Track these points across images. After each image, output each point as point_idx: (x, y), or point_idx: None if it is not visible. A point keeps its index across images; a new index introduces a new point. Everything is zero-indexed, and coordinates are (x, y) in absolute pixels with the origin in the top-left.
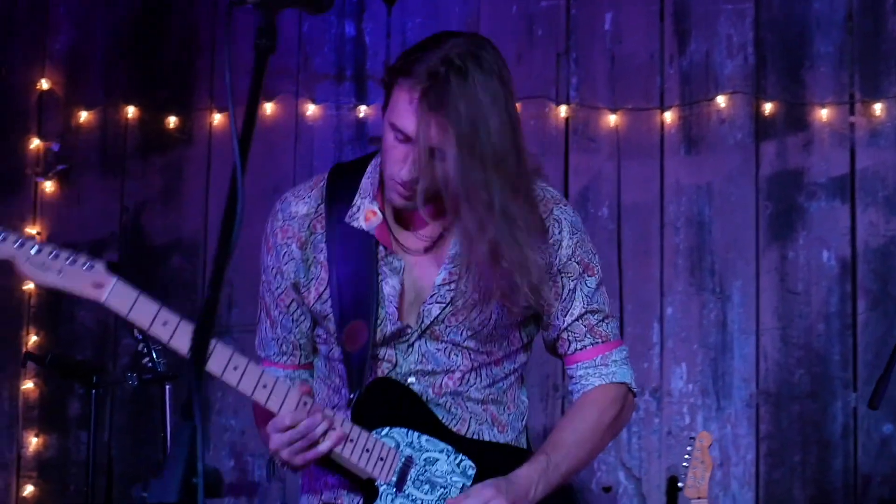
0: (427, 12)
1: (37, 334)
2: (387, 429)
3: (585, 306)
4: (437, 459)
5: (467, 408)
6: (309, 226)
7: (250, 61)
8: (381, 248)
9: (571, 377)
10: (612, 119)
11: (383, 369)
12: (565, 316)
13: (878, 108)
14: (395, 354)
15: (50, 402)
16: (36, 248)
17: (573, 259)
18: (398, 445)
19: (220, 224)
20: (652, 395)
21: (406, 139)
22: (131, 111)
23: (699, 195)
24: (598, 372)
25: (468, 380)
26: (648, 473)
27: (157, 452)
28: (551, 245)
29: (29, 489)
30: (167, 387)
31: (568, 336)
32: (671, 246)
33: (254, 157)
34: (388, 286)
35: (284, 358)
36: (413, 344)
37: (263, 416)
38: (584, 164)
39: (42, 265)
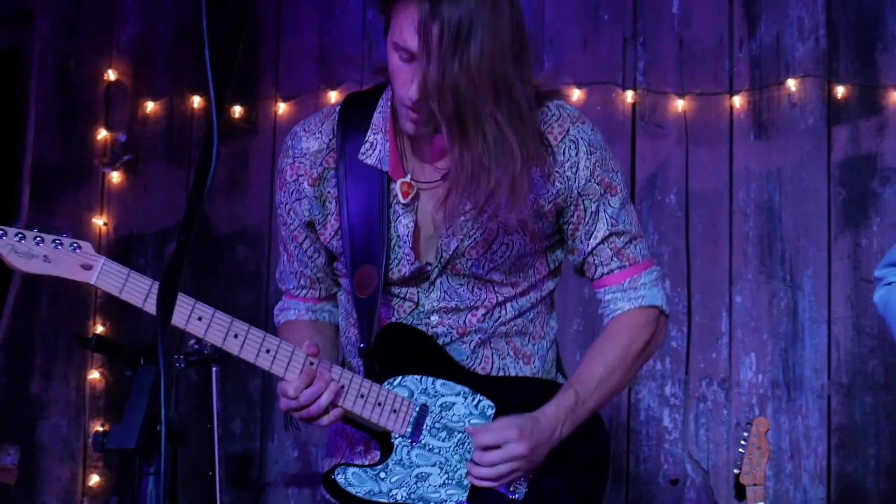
0: None
1: (103, 324)
2: (399, 378)
3: (609, 228)
4: (454, 403)
5: (491, 343)
6: (322, 161)
7: (314, 48)
8: (394, 184)
9: (600, 301)
10: (680, 104)
11: (405, 309)
12: (589, 239)
13: None
14: (417, 293)
15: (115, 392)
16: (18, 236)
17: (592, 180)
18: (412, 394)
19: (196, 166)
20: (720, 385)
21: (410, 57)
22: (197, 101)
23: (769, 181)
24: (626, 296)
25: (493, 314)
26: (716, 466)
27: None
28: (567, 167)
29: (95, 479)
30: (214, 369)
31: (594, 260)
32: (741, 233)
33: None
34: (402, 225)
35: (304, 291)
36: (434, 281)
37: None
38: (651, 151)
39: (27, 253)
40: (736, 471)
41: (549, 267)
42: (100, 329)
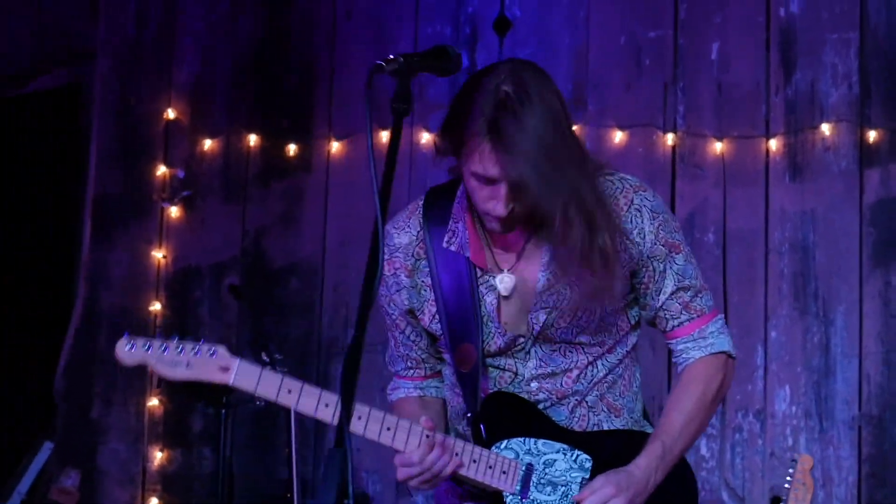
0: (538, 41)
1: None
2: (505, 441)
3: (676, 284)
4: (556, 460)
5: (587, 403)
6: (413, 253)
7: (363, 87)
8: (477, 268)
9: (673, 351)
10: (719, 147)
11: (506, 378)
12: (659, 295)
13: None
14: (515, 364)
15: (174, 419)
16: (162, 347)
17: (658, 242)
18: (518, 455)
19: (364, 273)
20: (756, 416)
21: (490, 181)
22: (253, 139)
23: (803, 221)
24: (697, 345)
25: (586, 374)
26: (751, 494)
27: (280, 468)
28: (636, 233)
29: (154, 502)
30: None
31: (664, 315)
32: (776, 271)
33: (370, 184)
34: (488, 303)
35: (411, 371)
36: (529, 351)
37: None
38: (690, 191)
39: (172, 362)
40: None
41: (629, 322)
42: None
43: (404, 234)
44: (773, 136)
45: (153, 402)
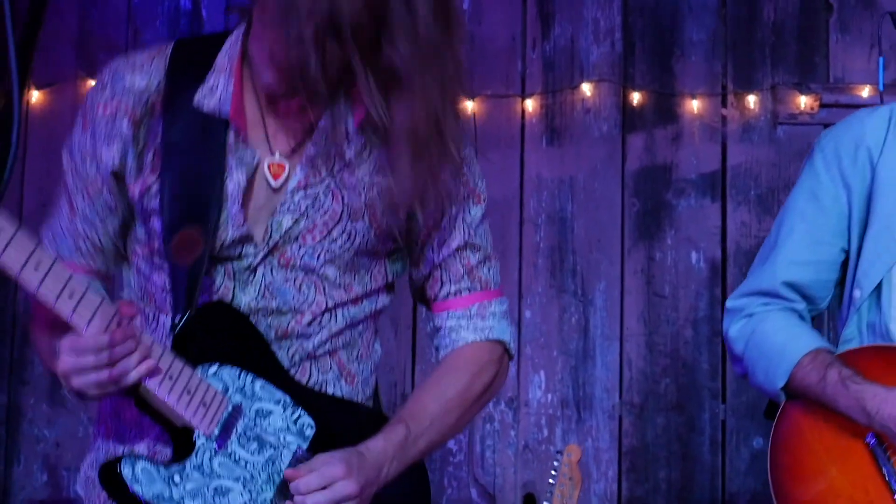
0: None
1: None
2: (216, 366)
3: (465, 238)
4: (271, 412)
5: (314, 353)
6: (147, 101)
7: (73, 32)
8: (231, 133)
9: (439, 328)
10: (470, 105)
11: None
12: (441, 248)
13: (751, 100)
14: (233, 286)
15: None
16: None
17: (459, 179)
18: (227, 389)
19: None
20: (508, 405)
21: None
22: None
23: (561, 190)
24: (472, 325)
25: (320, 321)
26: (503, 490)
27: None
28: None
29: None
30: None
31: (440, 275)
32: (531, 244)
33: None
34: (233, 182)
35: (85, 260)
36: (256, 269)
37: (49, 323)
38: None
39: None
40: (545, 503)
41: (386, 277)
42: None
43: (141, 76)
44: (530, 95)
45: None
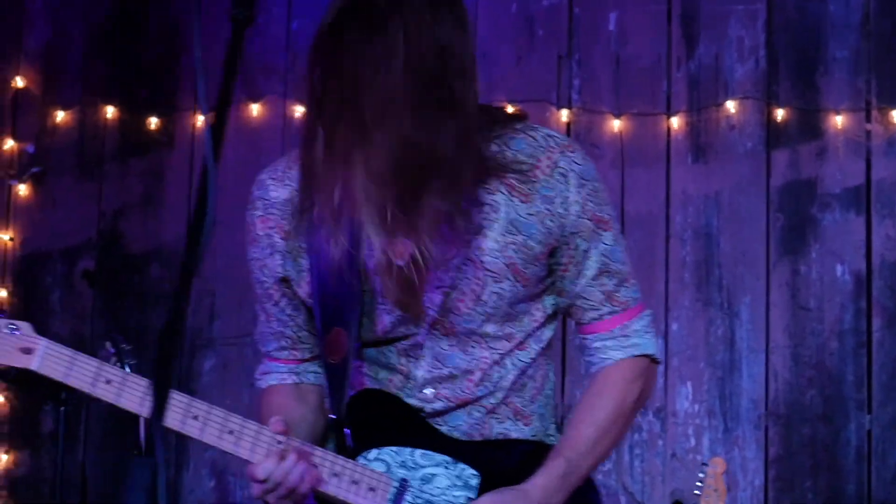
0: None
1: None
2: (375, 451)
3: (601, 267)
4: (435, 475)
5: (491, 408)
6: (293, 212)
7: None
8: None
9: (586, 349)
10: (616, 124)
11: (395, 383)
12: (579, 279)
13: (895, 115)
14: (408, 363)
15: (21, 417)
16: None
17: (584, 216)
18: (389, 468)
19: (189, 227)
20: (656, 415)
21: None
22: (110, 111)
23: (707, 205)
24: (618, 344)
25: (491, 376)
26: (651, 498)
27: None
28: (558, 202)
29: None
30: None
31: (582, 304)
32: (677, 259)
33: (239, 161)
34: (371, 273)
35: (286, 353)
36: (423, 344)
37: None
38: None
39: None
40: None
41: (545, 312)
42: None
43: (283, 187)
44: (675, 113)
45: None
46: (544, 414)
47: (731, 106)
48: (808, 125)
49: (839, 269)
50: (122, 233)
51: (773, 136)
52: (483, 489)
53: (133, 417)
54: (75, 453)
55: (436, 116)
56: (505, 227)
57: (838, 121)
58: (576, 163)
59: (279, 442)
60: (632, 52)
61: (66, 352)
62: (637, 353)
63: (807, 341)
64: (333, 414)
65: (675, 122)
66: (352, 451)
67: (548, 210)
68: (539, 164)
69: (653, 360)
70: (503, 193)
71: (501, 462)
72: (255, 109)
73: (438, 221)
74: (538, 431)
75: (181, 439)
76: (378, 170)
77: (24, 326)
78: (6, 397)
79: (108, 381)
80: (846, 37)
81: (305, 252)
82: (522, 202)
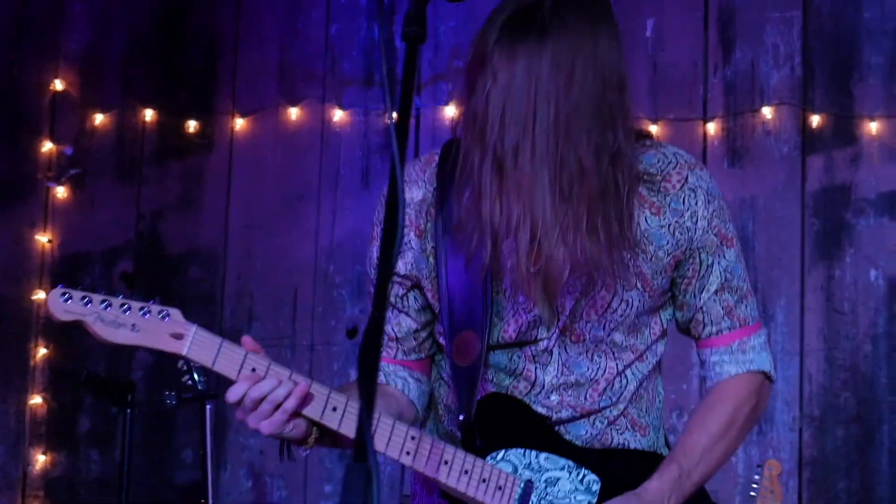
0: (461, 16)
1: (46, 347)
2: (502, 452)
3: (722, 282)
4: (559, 478)
5: (610, 418)
6: (426, 212)
7: (274, 63)
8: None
9: (704, 362)
10: (654, 129)
11: (520, 389)
12: (701, 293)
13: None
14: (535, 369)
15: (59, 419)
16: (104, 304)
17: (710, 231)
18: (516, 469)
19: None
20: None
21: None
22: (149, 114)
23: (743, 209)
24: (734, 359)
25: (613, 386)
26: None
27: (178, 473)
28: (688, 216)
29: None
30: (208, 406)
31: (702, 318)
32: None
33: (276, 164)
34: (504, 280)
35: (406, 356)
36: (552, 350)
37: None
38: None
39: (114, 322)
40: None
41: (662, 326)
42: (42, 352)
43: (416, 188)
44: (711, 118)
45: (35, 400)
46: (658, 426)
47: (766, 112)
48: (843, 131)
49: (873, 273)
50: (161, 234)
51: (809, 141)
52: (603, 496)
53: (166, 417)
54: (113, 455)
55: (599, 131)
56: (636, 237)
57: (873, 127)
58: (704, 180)
59: (254, 369)
60: (669, 58)
61: (215, 339)
62: (753, 368)
63: (841, 344)
64: (462, 414)
65: (712, 127)
66: (479, 451)
67: (677, 223)
68: (670, 179)
69: (767, 377)
70: (635, 205)
71: (621, 470)
72: (293, 113)
73: (595, 230)
74: (654, 442)
75: (219, 443)
76: (552, 182)
77: (175, 313)
78: (44, 398)
79: (254, 370)
80: (881, 43)
81: (434, 254)
82: (653, 214)
